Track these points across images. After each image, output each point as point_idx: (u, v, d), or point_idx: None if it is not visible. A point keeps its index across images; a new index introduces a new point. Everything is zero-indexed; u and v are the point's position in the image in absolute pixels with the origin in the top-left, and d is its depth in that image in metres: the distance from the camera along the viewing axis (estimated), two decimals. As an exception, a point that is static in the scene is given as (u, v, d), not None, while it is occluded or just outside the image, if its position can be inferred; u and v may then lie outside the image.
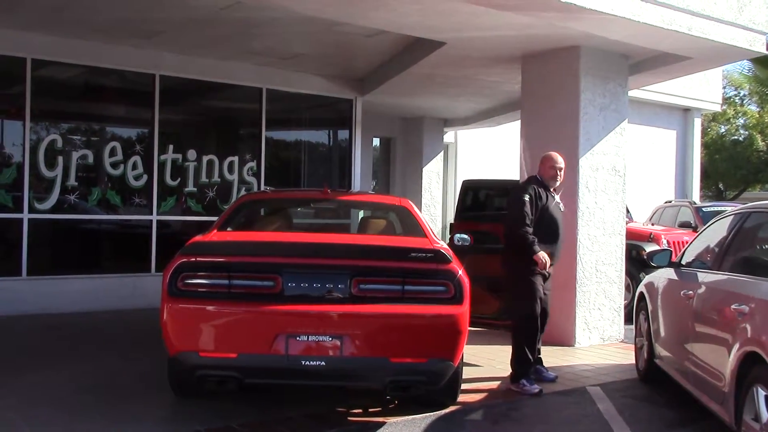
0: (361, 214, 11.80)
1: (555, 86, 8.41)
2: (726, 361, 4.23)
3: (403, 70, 10.14)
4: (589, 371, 6.86)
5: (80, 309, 9.21)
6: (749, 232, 4.89)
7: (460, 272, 4.81)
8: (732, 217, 5.35)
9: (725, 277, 4.80)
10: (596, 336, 8.26)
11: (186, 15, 8.32)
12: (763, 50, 8.06)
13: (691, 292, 5.15)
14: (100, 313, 9.22)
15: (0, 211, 9.16)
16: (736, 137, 31.75)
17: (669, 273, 6.06)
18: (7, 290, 8.97)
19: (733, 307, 4.22)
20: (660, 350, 5.99)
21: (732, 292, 4.39)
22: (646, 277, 6.95)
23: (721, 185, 32.68)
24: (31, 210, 9.24)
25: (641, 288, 6.75)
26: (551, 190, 6.32)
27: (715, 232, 5.56)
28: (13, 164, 9.22)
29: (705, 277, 5.12)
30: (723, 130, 32.33)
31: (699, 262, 5.62)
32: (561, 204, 6.45)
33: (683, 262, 5.92)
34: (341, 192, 8.01)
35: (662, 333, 5.92)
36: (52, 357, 6.88)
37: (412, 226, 5.93)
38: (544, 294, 6.26)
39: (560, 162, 6.35)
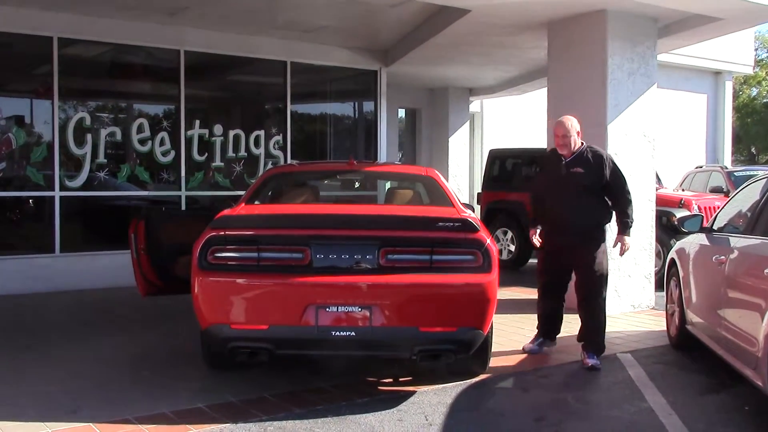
0: (387, 185, 11.84)
1: (582, 52, 8.28)
2: (759, 326, 4.19)
3: (428, 40, 10.05)
4: (619, 338, 6.82)
5: (112, 284, 9.32)
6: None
7: (488, 241, 4.80)
8: (765, 180, 5.26)
9: (758, 241, 4.73)
10: (626, 303, 8.21)
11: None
12: (797, 9, 7.86)
13: (723, 257, 5.09)
14: (132, 288, 9.30)
15: (32, 189, 9.30)
16: (767, 100, 31.16)
17: (700, 238, 5.99)
18: (41, 267, 9.13)
19: (766, 271, 4.16)
20: (692, 316, 5.94)
21: (765, 256, 4.33)
22: (677, 243, 6.88)
23: (753, 149, 32.13)
24: (62, 188, 9.37)
25: (672, 254, 6.69)
26: (564, 158, 5.89)
27: (748, 197, 5.48)
28: (43, 143, 9.33)
29: (737, 242, 5.05)
30: (755, 92, 31.73)
31: (731, 227, 5.56)
32: (578, 171, 5.81)
33: (715, 227, 5.85)
34: (367, 163, 8.00)
35: (694, 299, 5.87)
36: (86, 332, 7.01)
37: (439, 196, 5.92)
38: (559, 268, 6.06)
39: (560, 127, 5.85)
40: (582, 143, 5.95)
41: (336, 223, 4.86)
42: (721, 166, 15.20)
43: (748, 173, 14.60)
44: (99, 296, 8.90)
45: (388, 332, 4.65)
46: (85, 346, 6.38)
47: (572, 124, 5.88)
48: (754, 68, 21.96)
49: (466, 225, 4.81)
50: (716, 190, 13.12)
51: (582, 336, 5.98)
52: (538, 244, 6.08)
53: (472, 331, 4.73)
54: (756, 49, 27.33)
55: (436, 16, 9.40)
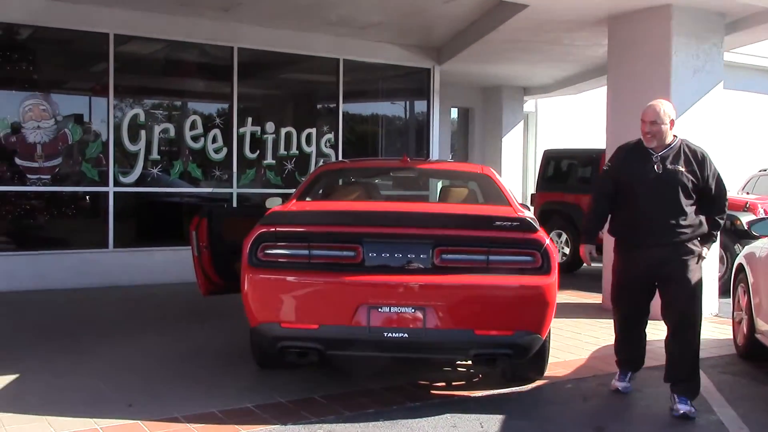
0: (439, 184, 11.66)
1: (645, 48, 7.99)
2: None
3: (483, 37, 9.87)
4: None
5: (165, 281, 9.36)
6: None
7: (548, 241, 4.60)
8: None
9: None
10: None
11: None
12: None
13: (799, 262, 4.79)
14: (184, 285, 9.30)
15: (87, 185, 9.38)
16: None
17: (772, 243, 5.68)
18: (94, 262, 9.20)
19: None
20: (762, 325, 5.63)
21: None
22: (746, 247, 6.55)
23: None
24: (116, 183, 9.43)
25: (740, 259, 6.37)
26: (654, 152, 4.80)
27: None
28: (98, 139, 9.41)
29: (816, 246, 4.75)
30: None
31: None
32: (679, 169, 4.74)
33: (788, 231, 5.54)
34: (420, 161, 7.85)
35: (766, 307, 5.56)
36: (137, 328, 7.00)
37: (495, 194, 5.73)
38: (641, 291, 4.90)
39: (650, 112, 4.80)
40: (675, 136, 4.87)
41: (389, 220, 4.71)
42: (786, 170, 14.63)
43: (814, 176, 14.07)
44: (150, 292, 8.93)
45: (442, 335, 4.49)
46: (135, 342, 6.36)
47: (665, 109, 4.78)
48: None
49: (525, 224, 4.62)
50: (781, 194, 12.60)
51: (672, 375, 4.79)
52: (589, 262, 5.11)
53: (530, 336, 4.54)
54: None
55: (492, 11, 9.20)
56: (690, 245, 4.76)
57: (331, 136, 11.04)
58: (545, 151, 12.88)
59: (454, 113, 15.64)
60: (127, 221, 9.72)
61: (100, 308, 8.06)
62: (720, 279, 8.49)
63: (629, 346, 5.11)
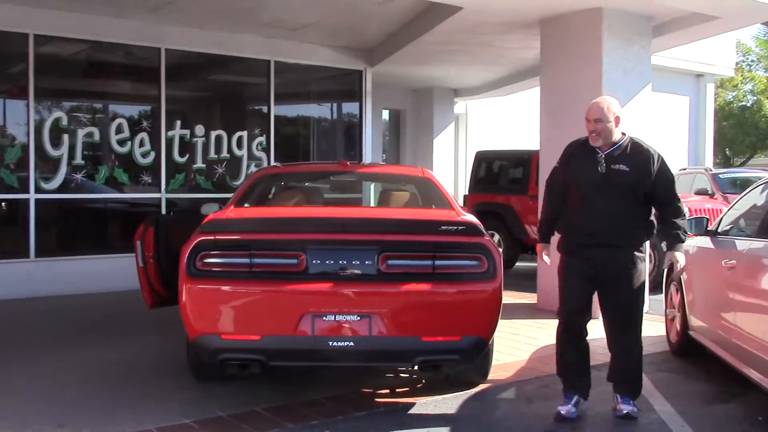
0: (372, 187, 11.59)
1: (576, 50, 8.10)
2: (780, 334, 4.00)
3: (416, 39, 9.86)
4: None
5: (90, 290, 9.00)
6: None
7: (493, 245, 4.58)
8: (775, 182, 5.09)
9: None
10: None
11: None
12: (795, 7, 7.74)
13: (734, 261, 4.90)
14: (111, 294, 9.01)
15: (6, 191, 8.94)
16: (744, 103, 31.44)
17: (704, 241, 5.81)
18: (15, 272, 8.78)
19: (788, 276, 3.97)
20: (696, 322, 5.76)
21: (786, 261, 4.14)
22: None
23: (728, 152, 32.38)
24: (38, 190, 9.02)
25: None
26: (600, 151, 4.57)
27: (757, 200, 5.30)
28: (18, 144, 8.98)
29: (750, 245, 4.87)
30: (731, 96, 31.99)
31: (739, 230, 5.38)
32: (623, 169, 4.52)
33: (720, 230, 5.67)
34: (361, 164, 7.75)
35: (699, 304, 5.69)
36: (65, 341, 6.69)
37: (436, 198, 5.69)
38: (579, 297, 4.65)
39: (594, 110, 4.57)
40: (623, 134, 4.65)
41: (333, 226, 4.60)
42: (705, 168, 15.16)
43: (733, 176, 14.62)
44: (77, 303, 8.56)
45: (389, 342, 4.40)
46: (62, 357, 6.06)
47: (609, 106, 4.54)
48: (736, 71, 22.07)
49: (470, 228, 4.59)
50: (701, 192, 13.04)
51: (615, 375, 4.77)
52: (549, 262, 4.94)
53: (477, 340, 4.50)
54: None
55: (426, 13, 9.19)
56: (635, 248, 4.61)
57: (262, 139, 10.84)
58: (477, 152, 12.97)
59: (385, 115, 15.61)
60: (49, 229, 9.32)
61: (21, 321, 7.67)
62: (650, 276, 8.67)
63: (573, 357, 4.73)
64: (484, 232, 4.63)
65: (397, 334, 4.38)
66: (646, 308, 8.06)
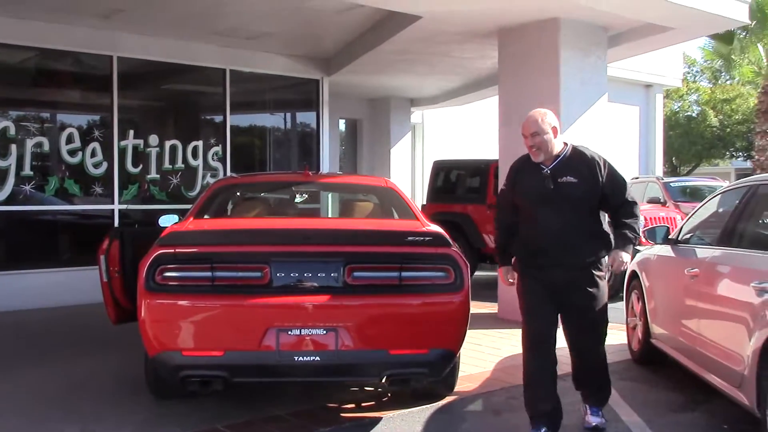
0: (330, 197, 11.49)
1: (534, 60, 8.13)
2: (744, 342, 4.02)
3: (373, 48, 9.81)
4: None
5: (40, 305, 8.72)
6: (760, 206, 4.68)
7: (460, 256, 4.52)
8: (734, 191, 5.15)
9: (740, 253, 4.58)
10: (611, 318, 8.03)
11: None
12: (746, 19, 7.91)
13: (696, 269, 4.94)
14: (62, 309, 8.74)
15: (-50, 203, 8.62)
16: (689, 113, 32.24)
17: (665, 250, 5.85)
18: (-39, 288, 8.44)
19: (753, 284, 4.00)
20: (658, 330, 5.80)
21: (751, 269, 4.17)
22: (638, 254, 6.75)
23: (674, 161, 33.14)
24: (-16, 202, 8.71)
25: (633, 266, 6.54)
26: (544, 166, 4.39)
27: (717, 208, 5.36)
28: (-38, 154, 8.67)
29: (713, 253, 4.91)
30: (676, 107, 32.76)
31: (700, 239, 5.43)
32: (570, 181, 4.32)
33: (680, 238, 5.72)
34: (323, 174, 7.65)
35: (661, 312, 5.72)
36: (12, 359, 6.42)
37: (401, 208, 5.63)
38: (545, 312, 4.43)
39: (529, 124, 4.36)
40: (565, 143, 4.46)
41: (297, 238, 4.51)
42: (657, 177, 15.43)
43: (684, 184, 14.92)
44: (25, 318, 8.26)
45: (356, 356, 4.31)
46: (9, 376, 5.81)
47: (544, 118, 4.34)
48: (682, 82, 22.57)
49: (437, 239, 4.53)
50: (654, 201, 13.26)
51: (582, 382, 4.68)
52: (512, 282, 4.64)
53: (445, 353, 4.45)
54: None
55: (384, 22, 9.14)
56: (594, 264, 4.37)
57: (218, 148, 10.66)
58: (435, 161, 12.97)
59: (342, 125, 15.54)
60: (-3, 242, 9.00)
61: (-32, 339, 7.37)
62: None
63: (541, 383, 4.42)
64: (451, 242, 4.58)
65: (364, 348, 4.30)
66: (605, 316, 8.19)
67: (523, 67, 8.27)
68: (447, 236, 4.60)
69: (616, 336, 7.21)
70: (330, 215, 9.75)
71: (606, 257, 4.43)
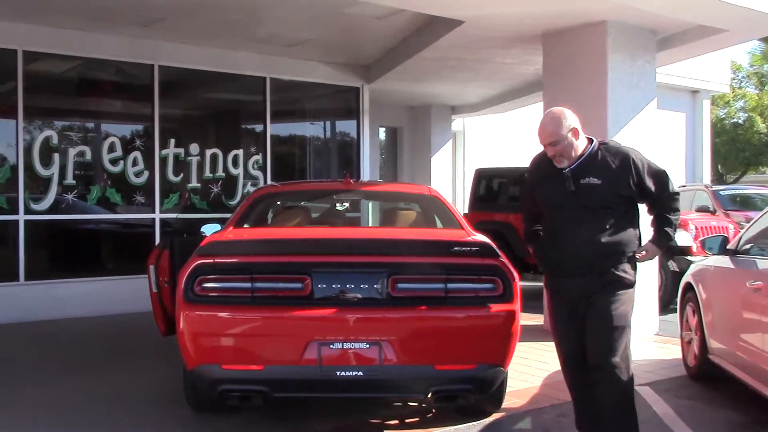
0: (371, 205, 11.35)
1: (580, 65, 7.91)
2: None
3: (414, 54, 9.66)
4: (642, 366, 6.36)
5: (82, 314, 8.73)
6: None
7: (509, 267, 4.33)
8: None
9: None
10: (643, 328, 7.75)
11: (187, -1, 7.82)
12: (804, 20, 7.58)
13: (759, 282, 4.67)
14: (103, 319, 8.73)
15: (-6, 212, 8.68)
16: (736, 120, 31.51)
17: (723, 261, 5.58)
18: (4, 296, 8.48)
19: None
20: (716, 345, 5.52)
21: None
22: (693, 266, 6.48)
23: (720, 168, 32.40)
24: (27, 211, 8.74)
25: (688, 278, 6.27)
26: (567, 168, 4.05)
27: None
28: (6, 164, 8.71)
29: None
30: (722, 113, 32.06)
31: (762, 250, 5.15)
32: (594, 182, 3.99)
33: (739, 249, 5.45)
34: (364, 182, 7.52)
35: (720, 326, 5.44)
36: (53, 369, 6.38)
37: (445, 216, 5.46)
38: (572, 328, 4.10)
39: (545, 132, 4.07)
40: (591, 140, 4.13)
41: (339, 248, 4.36)
42: (705, 185, 14.99)
43: (734, 192, 14.43)
44: (67, 327, 8.26)
45: (400, 371, 4.15)
46: (51, 387, 5.76)
47: (563, 121, 4.02)
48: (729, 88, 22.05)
49: (484, 249, 4.35)
50: (703, 210, 12.84)
51: (591, 423, 4.18)
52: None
53: (493, 369, 4.25)
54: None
55: (425, 28, 8.99)
56: (617, 271, 4.00)
57: (258, 157, 10.60)
58: (477, 169, 12.78)
59: (382, 133, 15.42)
60: (40, 251, 9.03)
61: (8, 347, 7.37)
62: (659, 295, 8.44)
63: (581, 399, 4.21)
64: (499, 252, 4.39)
65: (408, 363, 4.13)
66: (656, 329, 7.92)
67: (569, 72, 8.05)
68: (494, 246, 4.42)
69: (667, 350, 6.97)
70: (372, 224, 9.61)
71: (635, 259, 4.10)
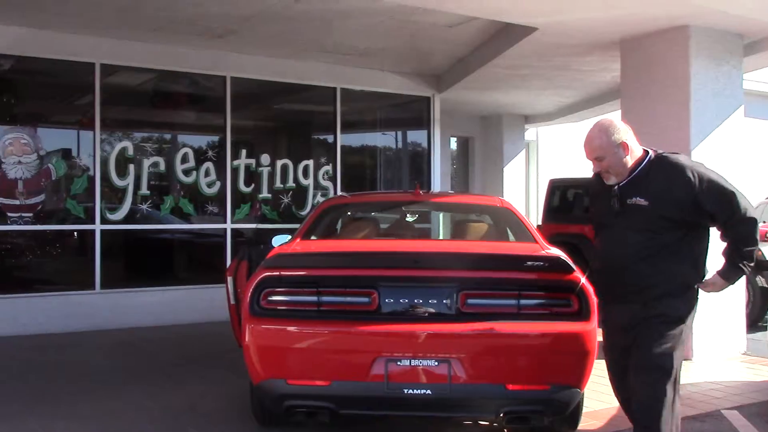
0: (441, 217, 11.19)
1: (661, 72, 7.59)
2: None
3: (486, 63, 9.47)
4: (717, 390, 6.03)
5: (155, 323, 8.83)
6: None
7: (584, 282, 4.12)
8: None
9: None
10: (716, 348, 7.39)
11: (258, 10, 7.83)
12: None
13: None
14: (176, 327, 8.81)
15: (72, 222, 8.86)
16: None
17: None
18: (80, 304, 8.65)
19: None
20: (811, 368, 5.15)
21: None
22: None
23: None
24: (103, 221, 8.91)
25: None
26: (616, 184, 3.69)
27: None
28: (84, 174, 8.91)
29: None
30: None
31: None
32: (640, 203, 3.59)
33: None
34: (434, 193, 7.38)
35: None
36: (126, 377, 6.43)
37: (517, 229, 5.27)
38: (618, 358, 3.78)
39: (589, 147, 3.70)
40: (645, 151, 3.72)
41: (407, 261, 4.23)
42: (795, 198, 14.24)
43: (824, 204, 13.66)
44: (140, 336, 8.35)
45: (470, 390, 3.99)
46: (122, 396, 5.79)
47: (610, 134, 3.62)
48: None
49: (560, 264, 4.15)
50: (792, 222, 12.18)
51: None
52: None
53: (568, 390, 4.05)
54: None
55: (498, 36, 8.80)
56: (661, 304, 3.56)
57: (329, 167, 10.58)
58: (551, 180, 12.48)
59: (453, 143, 15.25)
60: (114, 260, 9.18)
61: (83, 356, 7.48)
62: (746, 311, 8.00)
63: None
64: (574, 267, 4.18)
65: (479, 382, 3.98)
66: (743, 349, 7.50)
67: (648, 79, 7.73)
68: (569, 261, 4.21)
69: (758, 371, 6.62)
70: (442, 236, 9.45)
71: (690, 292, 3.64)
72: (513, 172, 14.66)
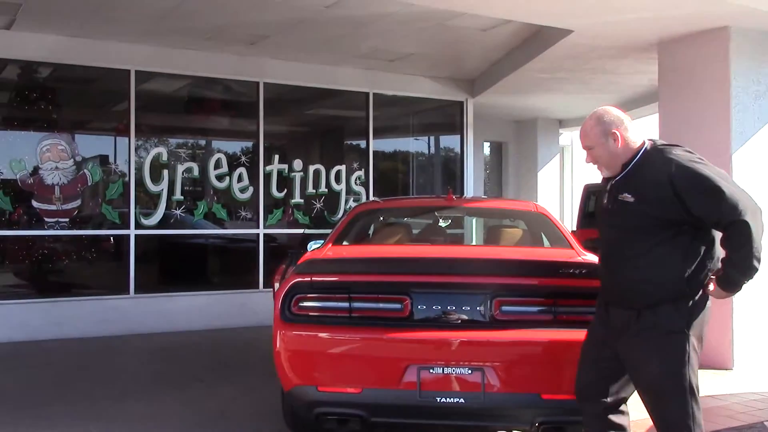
0: (475, 222, 11.08)
1: (700, 74, 7.42)
2: None
3: (520, 66, 9.37)
4: (760, 401, 5.85)
5: (188, 328, 8.86)
6: None
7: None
8: None
9: None
10: (759, 357, 7.19)
11: (290, 16, 7.85)
12: None
13: None
14: (209, 332, 8.83)
15: (107, 227, 8.95)
16: None
17: None
18: (114, 309, 8.72)
19: None
20: None
21: None
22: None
23: None
24: (138, 226, 8.97)
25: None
26: (611, 180, 3.41)
27: None
28: (119, 180, 8.99)
29: None
30: None
31: None
32: (627, 200, 3.26)
33: None
34: (467, 198, 7.30)
35: None
36: (158, 381, 6.45)
37: (552, 235, 5.16)
38: (602, 363, 3.46)
39: (582, 135, 3.46)
40: (640, 143, 3.36)
41: (440, 267, 4.17)
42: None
43: None
44: (174, 341, 8.39)
45: (504, 399, 3.91)
46: (155, 398, 5.81)
47: (596, 124, 3.35)
48: None
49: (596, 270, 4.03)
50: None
51: None
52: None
53: (606, 400, 3.92)
54: None
55: (531, 39, 8.71)
56: (653, 313, 3.21)
57: (361, 173, 10.55)
58: (586, 185, 12.32)
59: (486, 148, 15.14)
60: (149, 265, 9.26)
61: (118, 360, 7.54)
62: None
63: None
64: (612, 274, 4.06)
65: (514, 391, 3.89)
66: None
67: (687, 82, 7.58)
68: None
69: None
70: (475, 242, 9.35)
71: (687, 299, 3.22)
72: (547, 177, 14.51)
